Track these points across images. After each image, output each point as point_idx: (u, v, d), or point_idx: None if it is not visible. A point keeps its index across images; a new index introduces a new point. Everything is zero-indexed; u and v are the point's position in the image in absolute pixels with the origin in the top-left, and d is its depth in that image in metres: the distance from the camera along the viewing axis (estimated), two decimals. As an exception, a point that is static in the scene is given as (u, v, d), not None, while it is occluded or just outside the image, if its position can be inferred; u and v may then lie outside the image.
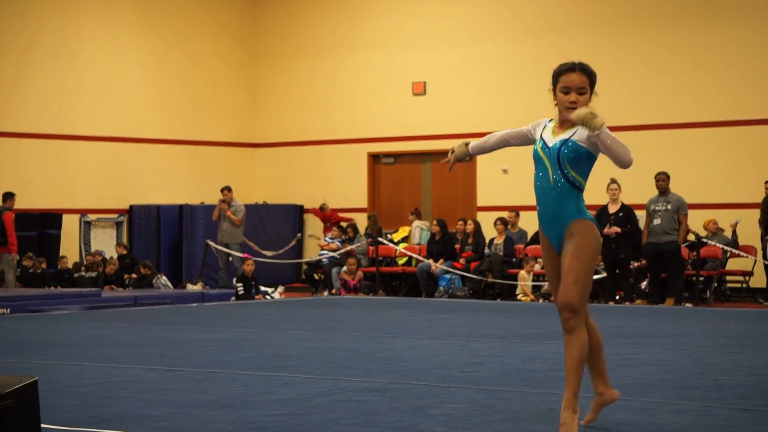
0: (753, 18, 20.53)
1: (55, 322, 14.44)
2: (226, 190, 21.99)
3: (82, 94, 23.25)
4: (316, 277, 22.69)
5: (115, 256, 22.30)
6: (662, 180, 18.00)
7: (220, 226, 21.86)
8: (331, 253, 22.10)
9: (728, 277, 19.86)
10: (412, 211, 23.45)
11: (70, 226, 22.49)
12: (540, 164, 5.90)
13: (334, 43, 25.09)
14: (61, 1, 23.00)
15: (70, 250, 22.36)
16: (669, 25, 21.28)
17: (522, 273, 19.40)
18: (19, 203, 21.53)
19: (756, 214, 18.79)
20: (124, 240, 23.29)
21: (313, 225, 25.19)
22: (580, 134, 5.79)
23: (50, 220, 22.10)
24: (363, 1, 24.89)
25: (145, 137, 24.23)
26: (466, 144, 6.57)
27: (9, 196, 20.33)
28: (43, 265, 21.08)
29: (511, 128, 6.51)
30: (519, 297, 19.25)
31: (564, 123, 5.93)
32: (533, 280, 19.46)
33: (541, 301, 18.75)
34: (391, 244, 22.07)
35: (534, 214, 21.49)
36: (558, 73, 5.98)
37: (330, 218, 23.76)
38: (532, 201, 22.16)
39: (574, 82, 5.90)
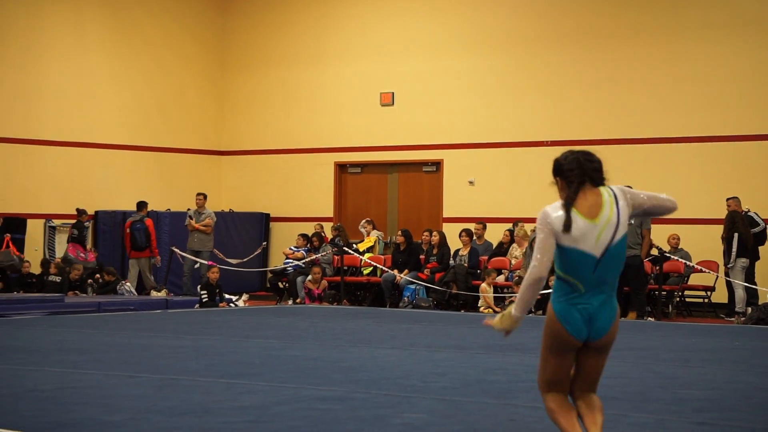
0: (716, 36, 20.69)
1: (17, 327, 14.36)
2: (201, 196, 22.09)
3: (48, 99, 23.15)
4: (280, 285, 22.65)
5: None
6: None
7: (192, 233, 21.87)
8: (296, 262, 22.08)
9: (690, 292, 19.99)
10: (367, 219, 23.36)
11: (34, 231, 22.36)
12: None
13: (303, 53, 25.10)
14: (29, 5, 22.90)
15: (34, 255, 22.22)
16: (633, 41, 21.42)
17: (483, 286, 19.44)
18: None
19: (719, 230, 18.91)
20: (89, 246, 23.19)
21: (279, 233, 25.17)
22: None
23: (14, 224, 21.96)
24: (332, 11, 24.93)
25: (112, 143, 24.13)
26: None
27: (144, 204, 22.19)
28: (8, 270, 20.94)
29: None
30: (481, 309, 19.29)
31: None
32: (494, 292, 19.51)
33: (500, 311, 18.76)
34: (356, 254, 22.08)
35: (499, 225, 21.33)
36: None
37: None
38: (498, 213, 22.13)
39: None
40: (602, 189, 5.33)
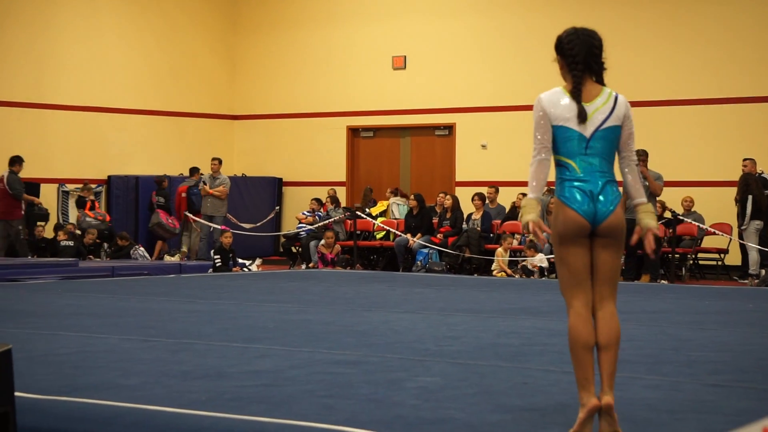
0: (733, -3, 20.61)
1: (31, 291, 14.42)
2: (216, 161, 22.12)
3: (60, 63, 23.13)
4: (293, 250, 22.69)
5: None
6: (640, 159, 18.02)
7: (205, 197, 21.93)
8: (309, 227, 22.10)
9: (703, 255, 19.97)
10: (392, 189, 23.41)
11: (47, 196, 22.40)
12: None
13: (315, 16, 25.02)
14: (41, -31, 22.88)
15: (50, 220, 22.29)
16: (649, 2, 21.30)
17: (500, 250, 19.42)
18: (-3, 172, 21.54)
19: (732, 192, 18.86)
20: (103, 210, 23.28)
21: (292, 198, 25.19)
22: None
23: (28, 189, 21.98)
24: (344, -26, 24.84)
25: (124, 107, 24.13)
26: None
27: (197, 170, 22.85)
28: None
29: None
30: (495, 273, 19.29)
31: None
32: (510, 256, 19.49)
33: (518, 276, 18.80)
34: (369, 218, 22.09)
35: (512, 189, 21.30)
36: None
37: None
38: (510, 177, 22.11)
39: None
40: (605, 88, 5.50)
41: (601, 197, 5.33)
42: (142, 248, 21.48)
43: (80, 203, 22.15)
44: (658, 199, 18.09)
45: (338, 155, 24.75)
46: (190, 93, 25.31)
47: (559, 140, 5.41)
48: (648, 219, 5.44)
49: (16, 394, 5.18)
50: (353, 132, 24.76)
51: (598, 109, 5.40)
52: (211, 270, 19.41)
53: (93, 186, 22.53)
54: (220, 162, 22.27)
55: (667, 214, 18.60)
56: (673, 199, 19.19)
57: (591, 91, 5.44)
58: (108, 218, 22.18)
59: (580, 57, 5.45)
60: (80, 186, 22.78)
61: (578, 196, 5.32)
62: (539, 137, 5.46)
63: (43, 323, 10.34)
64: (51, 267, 17.54)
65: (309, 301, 13.06)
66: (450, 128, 23.40)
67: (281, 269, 21.29)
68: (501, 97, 22.60)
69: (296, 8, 25.26)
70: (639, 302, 13.28)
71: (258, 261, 21.51)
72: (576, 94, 5.39)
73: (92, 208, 22.01)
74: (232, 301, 13.06)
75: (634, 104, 19.96)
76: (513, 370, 7.46)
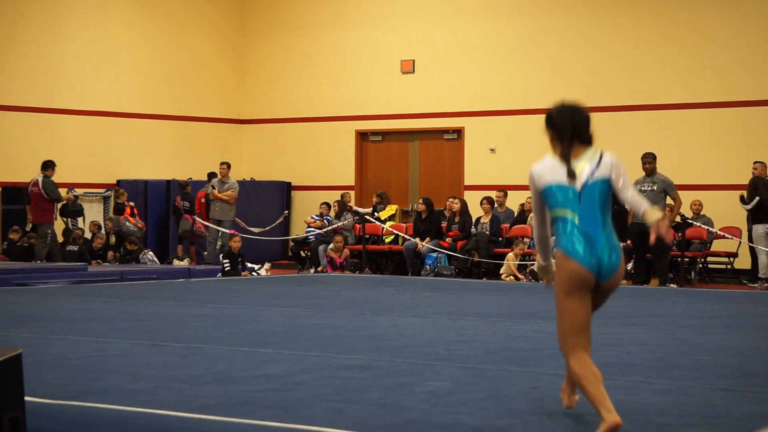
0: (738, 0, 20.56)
1: (41, 295, 14.43)
2: (225, 165, 22.13)
3: (69, 67, 23.17)
4: (302, 254, 22.70)
5: (103, 230, 22.35)
6: (648, 162, 18.01)
7: (213, 202, 21.95)
8: (318, 230, 22.11)
9: (713, 258, 19.93)
10: (377, 192, 23.33)
11: (56, 201, 22.44)
12: None
13: (324, 20, 25.04)
14: (50, -26, 22.93)
15: (56, 223, 22.29)
16: (658, 6, 21.28)
17: (510, 255, 19.38)
18: (6, 176, 21.58)
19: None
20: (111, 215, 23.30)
21: (301, 202, 25.19)
22: None
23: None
24: (352, -21, 24.85)
25: (133, 112, 24.17)
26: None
27: (215, 175, 22.39)
28: (32, 240, 21.04)
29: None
30: (503, 277, 19.27)
31: None
32: (520, 261, 19.47)
33: (526, 280, 18.77)
34: (377, 222, 22.08)
35: (521, 193, 21.29)
36: None
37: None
38: (519, 180, 22.11)
39: None
40: (590, 147, 5.66)
41: (602, 250, 5.49)
42: (151, 252, 21.50)
43: (119, 209, 22.18)
44: (666, 202, 18.05)
45: (347, 159, 24.76)
46: (199, 97, 25.34)
47: (554, 197, 5.57)
48: (654, 215, 5.52)
49: (26, 398, 5.19)
50: (362, 136, 24.77)
51: (583, 165, 5.57)
52: (219, 274, 19.42)
53: (121, 190, 22.62)
54: (229, 166, 22.31)
55: (677, 218, 18.57)
56: (682, 202, 19.14)
57: (577, 153, 5.62)
58: (144, 228, 22.27)
59: (568, 126, 5.63)
60: (105, 191, 22.87)
61: (580, 249, 5.45)
62: (536, 217, 5.80)
63: (52, 328, 10.35)
64: (60, 271, 17.55)
65: (318, 306, 13.05)
66: (459, 132, 23.39)
67: (290, 273, 21.28)
68: (510, 101, 22.60)
69: (305, 12, 25.28)
70: (648, 306, 13.26)
71: (267, 265, 21.52)
72: (565, 156, 5.58)
73: (132, 214, 22.08)
74: (240, 305, 13.06)
75: (642, 108, 20.24)
76: (522, 375, 7.45)
